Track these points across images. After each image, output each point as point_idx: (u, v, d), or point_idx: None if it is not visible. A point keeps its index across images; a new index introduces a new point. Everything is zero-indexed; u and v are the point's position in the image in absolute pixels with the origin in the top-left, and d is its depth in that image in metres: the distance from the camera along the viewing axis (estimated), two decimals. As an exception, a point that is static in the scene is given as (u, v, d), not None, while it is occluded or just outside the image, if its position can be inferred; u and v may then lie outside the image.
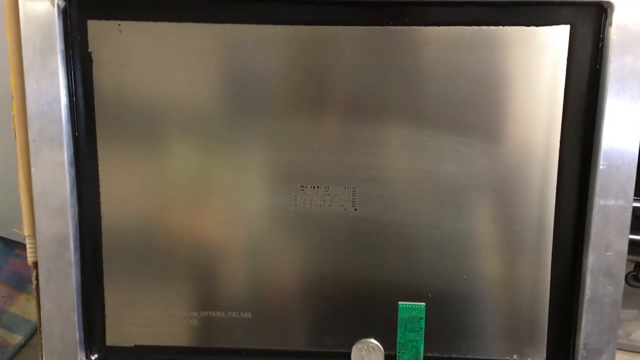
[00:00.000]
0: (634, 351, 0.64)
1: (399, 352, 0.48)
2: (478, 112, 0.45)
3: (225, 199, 0.46)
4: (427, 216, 0.46)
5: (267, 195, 0.46)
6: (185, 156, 0.46)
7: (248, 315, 0.48)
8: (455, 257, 0.47)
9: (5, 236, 0.75)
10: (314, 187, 0.46)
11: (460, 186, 0.46)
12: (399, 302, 0.47)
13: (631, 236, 0.45)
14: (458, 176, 0.45)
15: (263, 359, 0.49)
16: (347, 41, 0.44)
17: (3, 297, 0.73)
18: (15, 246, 0.75)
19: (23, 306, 0.74)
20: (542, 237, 0.46)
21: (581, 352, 0.46)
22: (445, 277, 0.47)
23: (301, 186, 0.46)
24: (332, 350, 0.48)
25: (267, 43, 0.44)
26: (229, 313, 0.48)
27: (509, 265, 0.47)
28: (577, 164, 0.45)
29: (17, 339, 0.71)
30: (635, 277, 0.58)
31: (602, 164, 0.43)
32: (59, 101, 0.44)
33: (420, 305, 0.47)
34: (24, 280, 0.75)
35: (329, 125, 0.45)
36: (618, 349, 0.65)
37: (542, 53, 0.44)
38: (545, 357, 0.48)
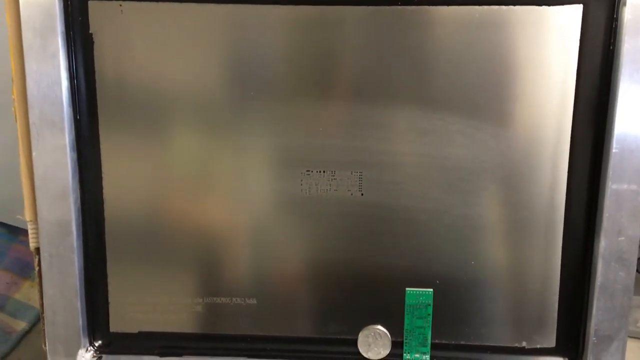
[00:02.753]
0: (643, 338, 0.63)
1: (406, 339, 0.47)
2: (487, 94, 0.44)
3: (230, 184, 0.46)
4: (435, 201, 0.45)
5: (272, 180, 0.45)
6: (188, 140, 0.45)
7: (253, 301, 0.47)
8: (463, 242, 0.46)
9: (9, 222, 0.74)
10: (319, 171, 0.45)
11: (469, 171, 0.45)
12: (407, 289, 0.47)
13: (644, 221, 0.44)
14: (466, 160, 0.45)
15: (268, 346, 0.48)
16: (353, 21, 0.43)
17: (7, 283, 0.73)
18: (18, 232, 0.75)
19: (27, 293, 0.73)
20: (552, 222, 0.45)
21: (592, 339, 0.45)
22: (454, 263, 0.46)
23: (307, 170, 0.45)
24: (339, 337, 0.48)
25: (272, 23, 0.43)
26: (234, 299, 0.47)
27: (519, 251, 0.46)
28: (589, 147, 0.44)
29: (21, 325, 0.71)
30: (645, 264, 0.57)
31: (615, 147, 0.42)
32: (59, 84, 0.43)
33: (428, 291, 0.47)
34: (28, 267, 0.74)
35: (335, 108, 0.44)
36: (626, 336, 0.64)
37: (553, 34, 0.42)
38: (554, 344, 0.47)
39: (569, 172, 0.44)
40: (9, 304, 0.72)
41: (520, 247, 0.46)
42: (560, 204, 0.45)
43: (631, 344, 0.62)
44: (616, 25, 0.42)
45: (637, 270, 0.62)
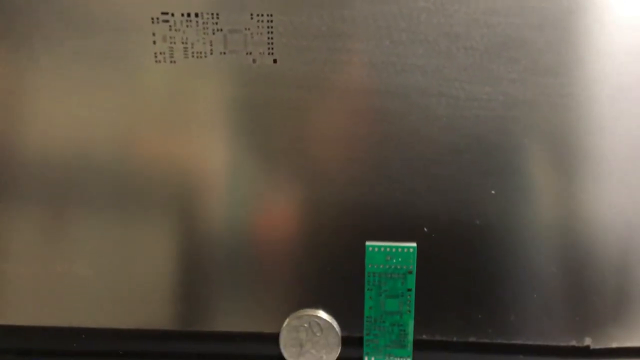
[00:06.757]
0: None
1: (367, 334, 0.26)
2: None
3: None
4: (435, 75, 0.23)
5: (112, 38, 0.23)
6: None
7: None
8: (474, 152, 0.24)
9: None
10: (186, 15, 0.23)
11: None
12: (367, 243, 0.25)
13: None
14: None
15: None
16: None
17: None
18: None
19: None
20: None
21: None
22: (456, 193, 0.24)
23: (162, 13, 0.23)
24: (250, 332, 0.27)
25: None
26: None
27: (584, 180, 0.24)
28: None
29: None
30: None
31: None
32: None
33: (408, 247, 0.25)
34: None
35: None
36: None
37: None
38: (646, 342, 0.26)
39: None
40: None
41: (585, 173, 0.24)
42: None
43: None
44: None
45: None
